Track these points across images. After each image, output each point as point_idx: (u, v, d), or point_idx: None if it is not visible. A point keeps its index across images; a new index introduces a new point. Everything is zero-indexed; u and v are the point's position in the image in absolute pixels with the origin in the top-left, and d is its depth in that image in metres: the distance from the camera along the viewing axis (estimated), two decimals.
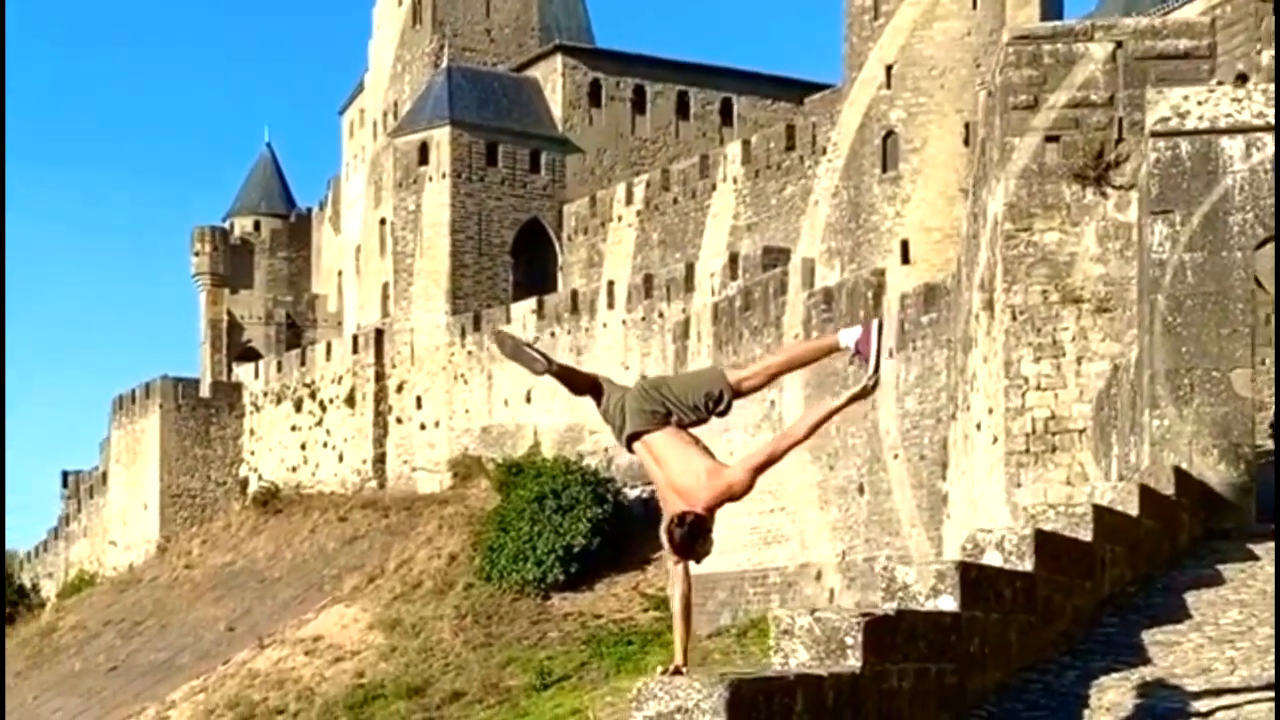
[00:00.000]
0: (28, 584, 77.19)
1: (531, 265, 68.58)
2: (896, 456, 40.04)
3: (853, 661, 8.40)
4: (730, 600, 44.09)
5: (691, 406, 7.92)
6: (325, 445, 66.92)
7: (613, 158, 71.10)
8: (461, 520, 53.58)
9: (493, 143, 68.72)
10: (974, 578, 9.82)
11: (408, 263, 67.56)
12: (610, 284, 59.00)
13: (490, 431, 60.43)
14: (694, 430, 8.00)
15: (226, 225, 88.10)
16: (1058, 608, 11.41)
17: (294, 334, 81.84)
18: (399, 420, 64.61)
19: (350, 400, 66.44)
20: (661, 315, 55.15)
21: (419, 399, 64.18)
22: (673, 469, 7.80)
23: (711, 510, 7.77)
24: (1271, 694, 9.33)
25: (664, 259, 62.10)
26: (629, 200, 66.26)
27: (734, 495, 7.66)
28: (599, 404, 8.18)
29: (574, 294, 60.07)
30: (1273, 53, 30.56)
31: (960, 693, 9.57)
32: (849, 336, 8.07)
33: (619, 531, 49.80)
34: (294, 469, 67.47)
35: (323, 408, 67.73)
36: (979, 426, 25.05)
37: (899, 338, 39.19)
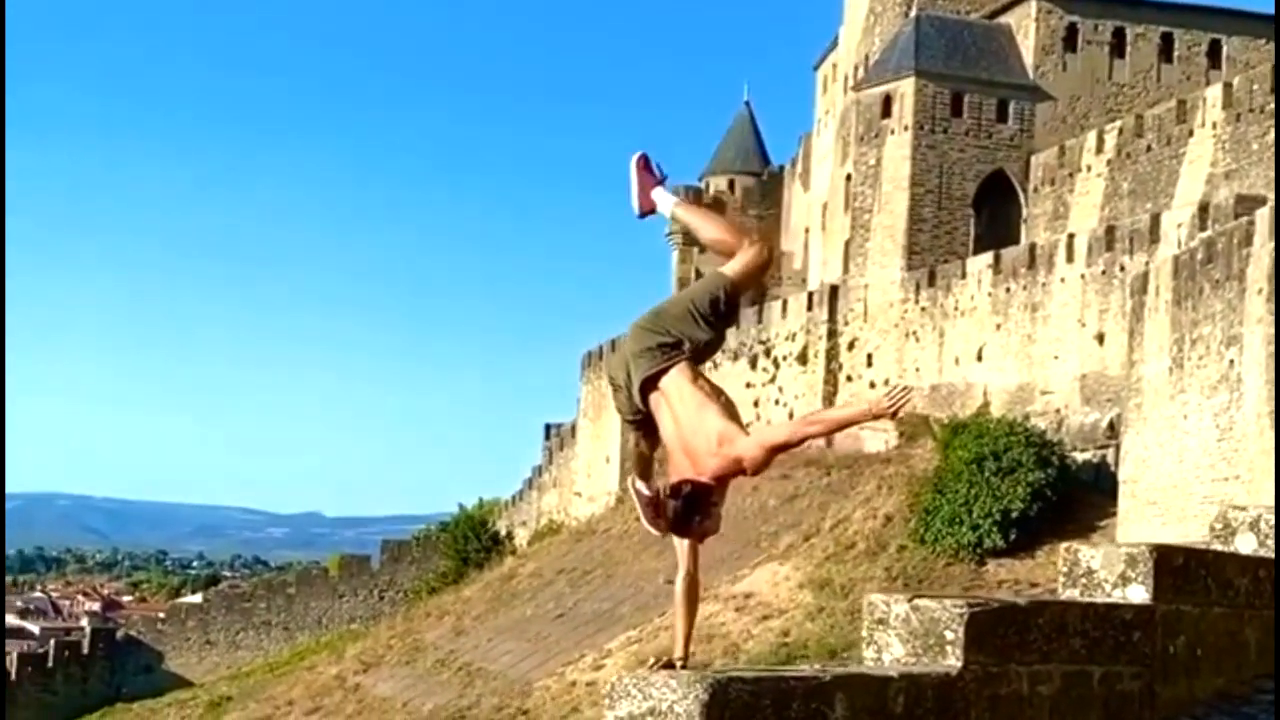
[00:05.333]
0: (502, 531, 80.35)
1: (994, 218, 65.90)
2: None
3: (952, 660, 6.83)
4: None
5: (701, 318, 6.98)
6: (777, 403, 66.32)
7: (1086, 105, 67.45)
8: (901, 481, 51.83)
9: (958, 93, 66.39)
10: (1179, 564, 7.77)
11: (866, 218, 66.14)
12: (1070, 237, 55.77)
13: (939, 390, 58.30)
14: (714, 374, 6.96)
15: (701, 184, 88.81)
16: None
17: (758, 292, 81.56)
18: (849, 378, 63.28)
19: (803, 358, 65.61)
20: (1122, 269, 51.59)
21: (870, 356, 62.68)
22: (686, 426, 6.75)
23: (721, 481, 6.75)
24: None
25: (1133, 210, 58.28)
26: (1099, 149, 62.62)
27: (744, 470, 6.85)
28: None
29: (1032, 248, 57.10)
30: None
31: (1147, 701, 7.58)
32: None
33: (1064, 497, 46.97)
34: (747, 426, 67.05)
35: (776, 365, 67.18)
36: None
37: None
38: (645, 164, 7.46)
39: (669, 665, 6.75)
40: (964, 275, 59.23)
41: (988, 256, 58.74)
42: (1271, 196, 51.35)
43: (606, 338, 75.30)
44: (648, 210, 7.40)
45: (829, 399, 63.17)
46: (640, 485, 7.29)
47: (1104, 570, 7.77)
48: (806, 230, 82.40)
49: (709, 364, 7.36)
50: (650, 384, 6.97)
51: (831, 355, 64.20)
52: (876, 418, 6.69)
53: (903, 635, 7.19)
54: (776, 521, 54.67)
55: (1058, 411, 52.08)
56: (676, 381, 6.91)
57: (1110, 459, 47.71)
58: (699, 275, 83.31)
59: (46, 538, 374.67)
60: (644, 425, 7.18)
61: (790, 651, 43.47)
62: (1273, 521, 8.56)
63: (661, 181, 7.50)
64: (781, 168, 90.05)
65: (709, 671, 6.54)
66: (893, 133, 66.24)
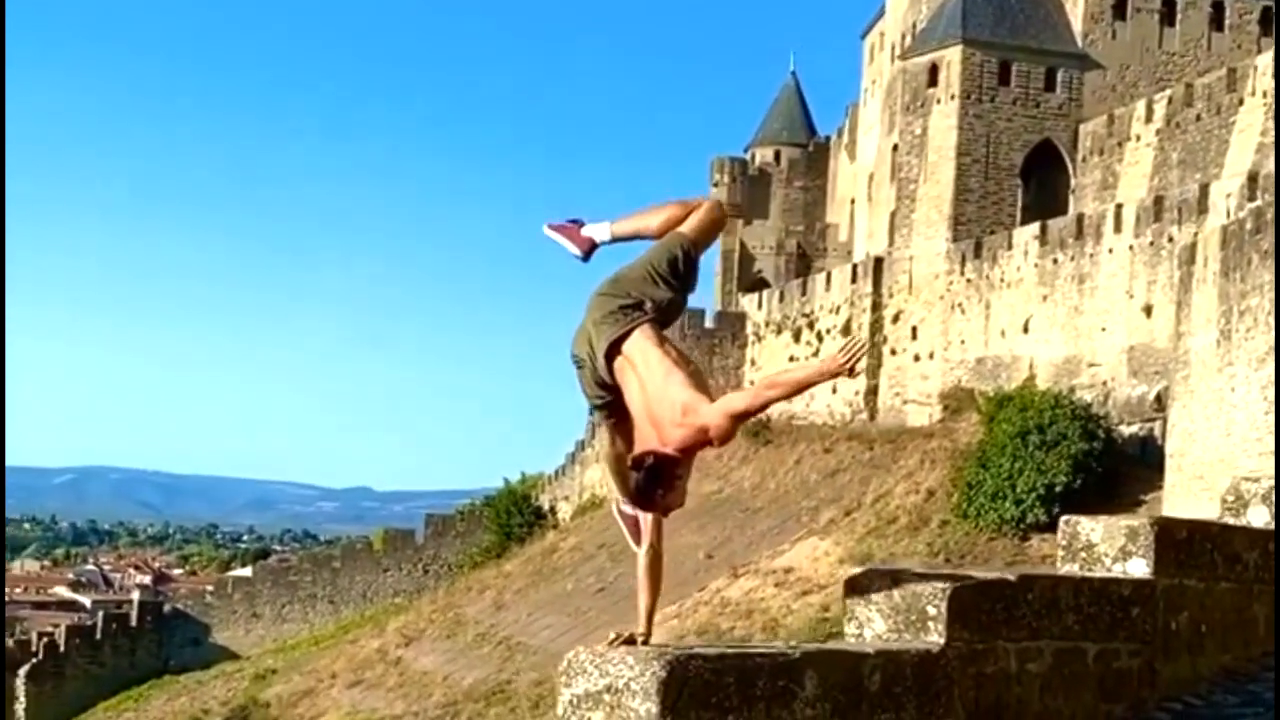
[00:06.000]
0: (545, 505, 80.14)
1: (1042, 189, 64.99)
2: None
3: (934, 637, 6.44)
4: None
5: (660, 279, 6.67)
6: None
7: (1135, 74, 66.37)
8: (945, 455, 51.22)
9: (1005, 61, 65.44)
10: (1182, 538, 7.28)
11: (911, 189, 65.36)
12: (1118, 207, 54.88)
13: (985, 363, 57.59)
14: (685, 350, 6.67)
15: (747, 156, 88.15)
16: None
17: (804, 264, 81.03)
18: (893, 351, 62.60)
19: (847, 330, 64.96)
20: (1171, 240, 50.72)
21: (914, 329, 61.97)
22: (652, 393, 6.37)
23: (686, 452, 6.35)
24: None
25: (1183, 180, 57.28)
26: (1148, 118, 61.56)
27: (709, 440, 6.36)
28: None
29: (1079, 218, 56.24)
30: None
31: (1146, 679, 7.11)
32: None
33: (1109, 471, 46.25)
34: (789, 399, 66.53)
35: (820, 338, 66.58)
36: None
37: None
38: (557, 226, 7.13)
39: (630, 641, 6.35)
40: (1010, 246, 58.45)
41: (1034, 227, 57.93)
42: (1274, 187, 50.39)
43: None
44: (589, 249, 7.02)
45: (872, 373, 62.56)
46: (625, 508, 6.93)
47: (1104, 544, 7.32)
48: (852, 201, 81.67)
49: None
50: (615, 351, 6.59)
51: (876, 328, 63.51)
52: (834, 375, 6.25)
53: (885, 611, 6.91)
54: (817, 496, 54.22)
55: (1104, 384, 51.31)
56: (641, 345, 6.55)
57: (1157, 432, 46.97)
58: (743, 247, 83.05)
59: (99, 511, 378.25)
60: (615, 410, 6.77)
61: (830, 627, 42.99)
62: None
63: (580, 223, 7.16)
64: (828, 138, 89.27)
65: (668, 647, 6.19)
66: (939, 102, 65.39)
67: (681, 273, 6.72)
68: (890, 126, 71.34)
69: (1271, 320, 39.64)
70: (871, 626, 6.83)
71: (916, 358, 61.21)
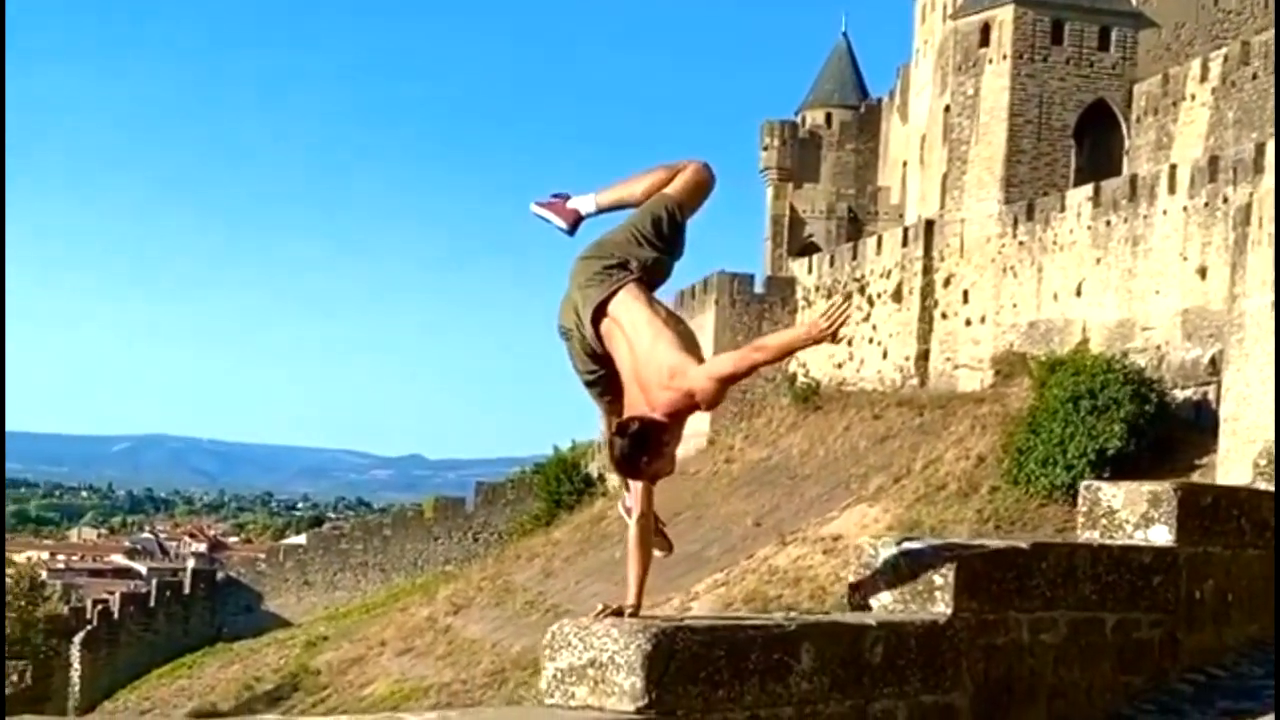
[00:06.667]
0: (595, 473, 79.96)
1: (1095, 149, 64.06)
2: None
3: (941, 607, 6.10)
4: None
5: (644, 239, 6.46)
6: (871, 341, 65.16)
7: (1191, 32, 65.26)
8: (995, 420, 50.65)
9: (1059, 20, 64.52)
10: (1207, 504, 6.90)
11: (962, 150, 64.59)
12: (1173, 168, 54.00)
13: (1037, 327, 56.88)
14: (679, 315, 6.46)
15: (797, 119, 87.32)
16: None
17: (855, 228, 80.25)
18: (944, 315, 61.95)
19: (897, 295, 64.35)
20: (1226, 200, 49.85)
21: (965, 293, 61.28)
22: (640, 354, 6.15)
23: (674, 417, 6.11)
24: None
25: (1239, 139, 56.27)
26: (1204, 77, 60.49)
27: (696, 405, 6.12)
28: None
29: (1133, 179, 55.37)
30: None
31: (1168, 650, 6.74)
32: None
33: (1163, 436, 45.59)
34: (839, 365, 66.06)
35: (870, 303, 65.96)
36: None
37: None
38: (544, 203, 6.93)
39: (618, 613, 6.07)
40: (1063, 208, 57.66)
41: (1087, 189, 57.11)
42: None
43: (699, 276, 74.45)
44: (574, 222, 6.83)
45: (924, 338, 61.96)
46: (629, 503, 6.71)
47: (1125, 510, 6.96)
48: (904, 164, 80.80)
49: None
50: (601, 314, 6.30)
51: (927, 292, 62.87)
52: (818, 340, 5.97)
53: (890, 581, 6.57)
54: (866, 463, 53.76)
55: (1158, 348, 50.58)
56: (627, 305, 6.32)
57: (1212, 396, 46.29)
58: (793, 211, 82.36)
59: (155, 479, 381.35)
60: (609, 387, 6.49)
61: None
62: None
63: (566, 196, 6.89)
64: (880, 100, 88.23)
65: (656, 620, 5.90)
66: (991, 62, 64.54)
67: (666, 234, 6.49)
68: (942, 87, 70.50)
69: None
70: (878, 598, 6.52)
71: (968, 322, 60.55)
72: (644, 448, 6.07)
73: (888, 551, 6.54)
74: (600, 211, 6.81)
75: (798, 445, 59.86)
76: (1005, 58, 64.09)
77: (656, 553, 6.50)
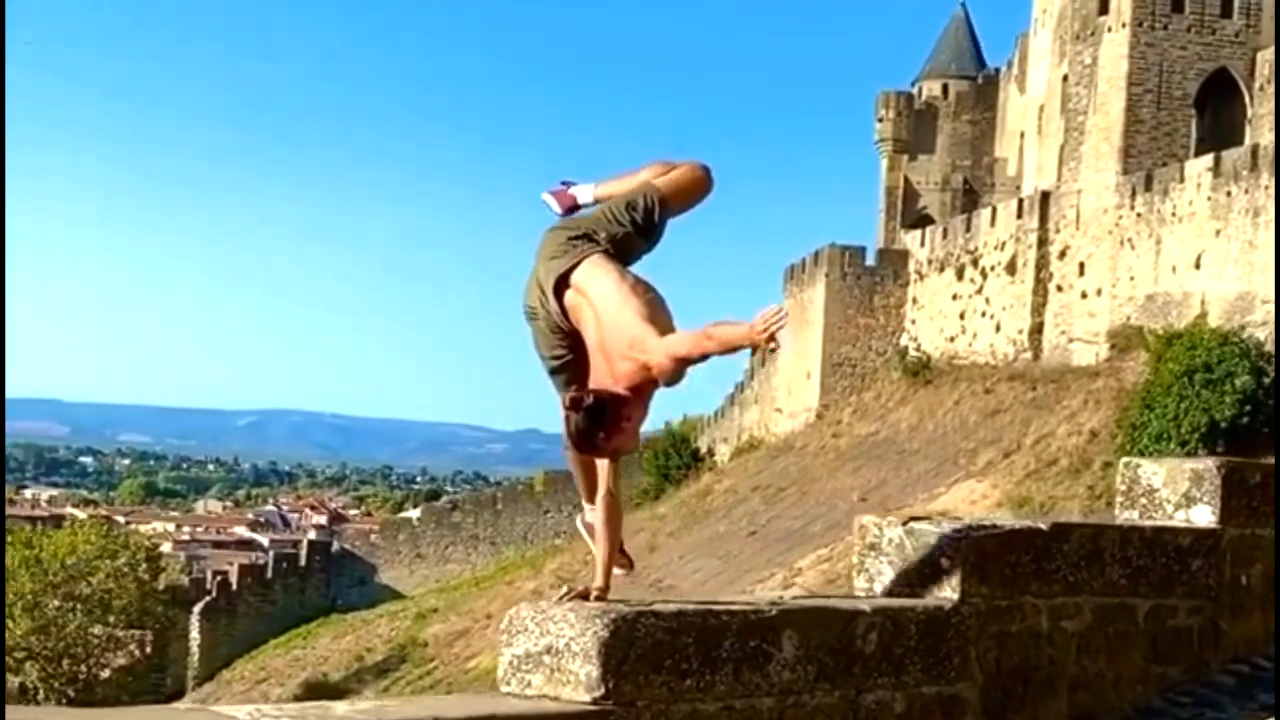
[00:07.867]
0: (703, 448, 79.52)
1: (1217, 119, 62.24)
2: None
3: (948, 592, 5.55)
4: None
5: (615, 219, 6.25)
6: (983, 314, 63.93)
7: None
8: (1109, 395, 49.39)
9: None
10: (1255, 483, 6.27)
11: (1080, 120, 63.05)
12: None
13: (1155, 300, 55.38)
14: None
15: (913, 90, 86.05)
16: None
17: (970, 200, 78.81)
18: (1059, 288, 60.56)
19: (1011, 267, 63.05)
20: None
21: (1081, 265, 59.83)
22: (606, 321, 5.84)
23: (636, 391, 5.82)
24: None
25: None
26: None
27: (654, 380, 5.87)
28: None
29: (1254, 149, 53.68)
30: None
31: (1209, 639, 6.13)
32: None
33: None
34: (951, 339, 64.93)
35: (984, 275, 64.71)
36: None
37: None
38: (552, 191, 6.81)
39: (583, 596, 5.66)
40: (1182, 179, 56.07)
41: (1207, 159, 55.47)
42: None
43: (810, 250, 73.59)
44: (569, 208, 6.62)
45: (1037, 311, 60.66)
46: (589, 518, 6.75)
47: (1166, 489, 6.35)
48: (1022, 135, 79.24)
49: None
50: (566, 285, 5.94)
51: (1041, 265, 61.50)
52: (754, 344, 5.70)
53: (895, 562, 6.01)
54: (976, 438, 52.71)
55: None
56: (593, 273, 6.01)
57: None
58: (907, 183, 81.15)
59: (279, 452, 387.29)
60: (575, 374, 6.14)
61: None
62: None
63: (570, 184, 6.79)
64: (997, 70, 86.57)
65: (620, 604, 5.41)
66: (1110, 30, 62.89)
67: (641, 221, 6.21)
68: (1060, 57, 68.97)
69: None
70: (882, 580, 5.98)
71: (1084, 295, 59.16)
72: (600, 423, 5.71)
73: (893, 532, 5.98)
74: (597, 203, 6.62)
75: (906, 419, 58.87)
76: (1124, 25, 62.41)
77: (617, 570, 6.30)
